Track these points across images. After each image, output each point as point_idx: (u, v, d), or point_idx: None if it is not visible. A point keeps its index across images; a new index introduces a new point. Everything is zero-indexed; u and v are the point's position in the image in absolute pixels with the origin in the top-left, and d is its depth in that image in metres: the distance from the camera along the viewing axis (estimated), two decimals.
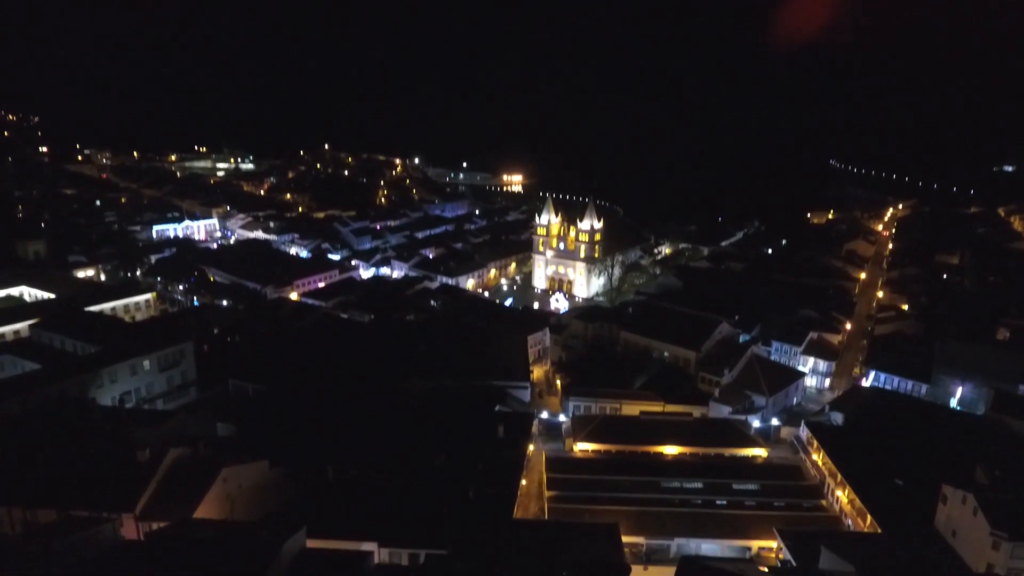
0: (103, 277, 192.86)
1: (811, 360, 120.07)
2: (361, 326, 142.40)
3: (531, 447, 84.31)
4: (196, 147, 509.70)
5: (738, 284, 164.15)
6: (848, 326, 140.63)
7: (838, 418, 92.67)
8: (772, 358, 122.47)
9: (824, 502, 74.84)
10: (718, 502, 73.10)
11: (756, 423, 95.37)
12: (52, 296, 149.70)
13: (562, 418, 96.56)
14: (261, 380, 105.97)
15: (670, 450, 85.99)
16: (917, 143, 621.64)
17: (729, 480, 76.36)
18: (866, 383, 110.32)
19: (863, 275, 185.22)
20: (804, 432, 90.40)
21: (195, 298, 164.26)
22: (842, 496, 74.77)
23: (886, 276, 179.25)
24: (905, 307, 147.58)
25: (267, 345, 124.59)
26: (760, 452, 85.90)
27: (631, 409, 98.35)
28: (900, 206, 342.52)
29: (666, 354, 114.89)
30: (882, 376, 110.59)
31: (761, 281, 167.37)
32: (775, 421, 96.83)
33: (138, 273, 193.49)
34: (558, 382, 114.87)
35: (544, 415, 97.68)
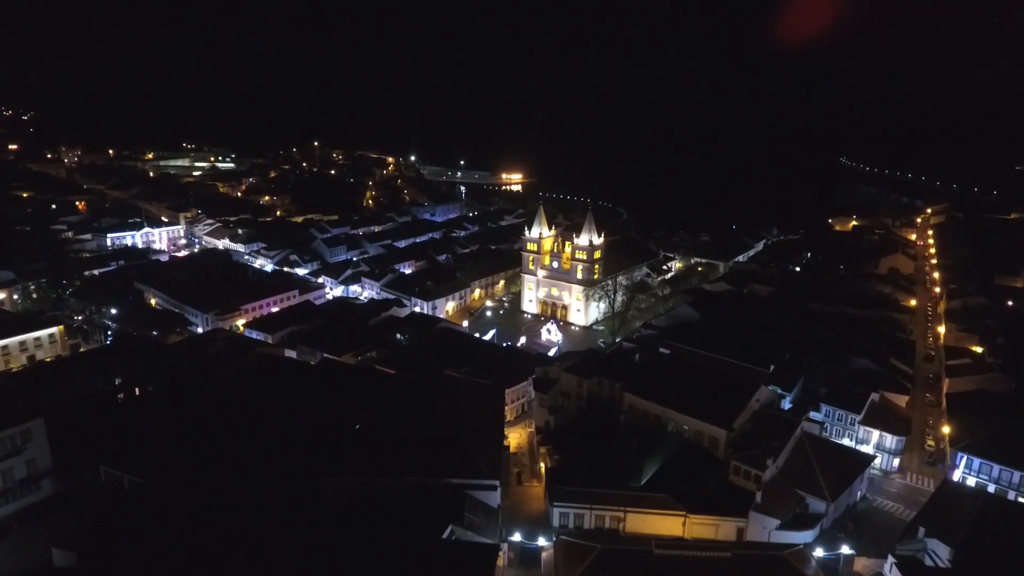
0: (34, 296, 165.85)
1: (875, 434, 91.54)
2: (304, 370, 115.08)
3: None
4: (184, 144, 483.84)
5: (766, 315, 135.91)
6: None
7: (939, 549, 64.48)
8: (821, 428, 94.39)
9: None
10: None
11: (819, 551, 67.28)
12: None
13: (542, 541, 68.63)
14: (141, 467, 78.64)
15: None
16: (931, 140, 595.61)
17: None
18: (956, 475, 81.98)
19: (914, 302, 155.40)
20: (892, 573, 62.50)
21: (107, 334, 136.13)
22: None
23: (944, 305, 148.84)
24: (978, 349, 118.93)
25: (172, 404, 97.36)
26: None
27: (639, 522, 70.66)
28: (929, 211, 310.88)
29: (686, 427, 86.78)
30: (975, 461, 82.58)
31: (793, 310, 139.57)
32: (845, 548, 68.55)
33: (69, 293, 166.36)
34: (542, 464, 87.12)
35: (516, 537, 69.62)
